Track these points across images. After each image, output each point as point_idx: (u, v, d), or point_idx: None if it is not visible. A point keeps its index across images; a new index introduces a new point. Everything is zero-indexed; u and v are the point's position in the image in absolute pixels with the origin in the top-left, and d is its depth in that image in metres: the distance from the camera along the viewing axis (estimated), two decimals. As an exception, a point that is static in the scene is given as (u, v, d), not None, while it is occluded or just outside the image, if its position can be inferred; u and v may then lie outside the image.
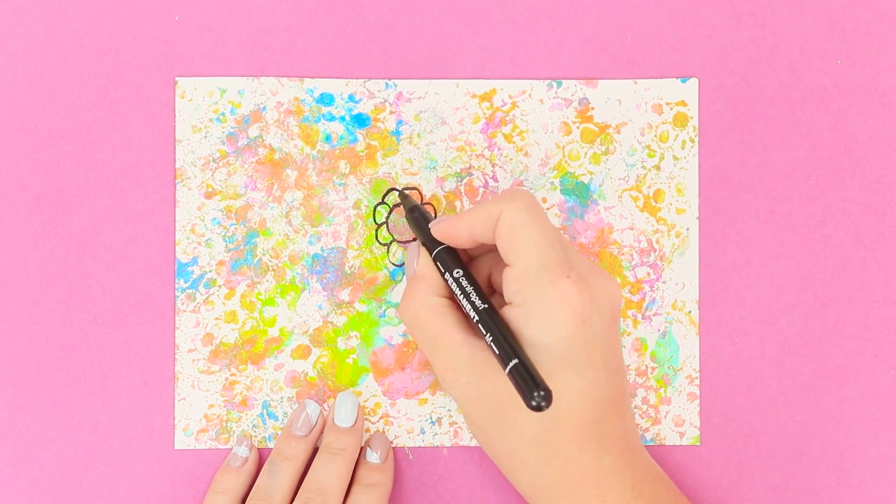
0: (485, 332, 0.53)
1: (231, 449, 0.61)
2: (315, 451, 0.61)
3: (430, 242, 0.58)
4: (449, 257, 0.57)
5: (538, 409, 0.49)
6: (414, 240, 0.61)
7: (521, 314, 0.53)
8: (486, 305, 0.54)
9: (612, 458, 0.55)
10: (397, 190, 0.62)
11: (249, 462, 0.61)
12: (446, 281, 0.57)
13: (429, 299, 0.56)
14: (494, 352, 0.53)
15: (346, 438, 0.60)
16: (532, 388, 0.50)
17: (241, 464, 0.60)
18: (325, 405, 0.62)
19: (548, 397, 0.49)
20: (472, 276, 0.56)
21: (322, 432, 0.61)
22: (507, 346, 0.52)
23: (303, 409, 0.61)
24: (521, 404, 0.52)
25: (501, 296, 0.56)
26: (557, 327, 0.53)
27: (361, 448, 0.61)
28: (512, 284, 0.54)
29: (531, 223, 0.54)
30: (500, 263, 0.56)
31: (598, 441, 0.54)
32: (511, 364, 0.51)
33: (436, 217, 0.60)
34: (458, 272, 0.56)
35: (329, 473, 0.59)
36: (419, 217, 0.59)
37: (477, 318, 0.54)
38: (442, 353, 0.55)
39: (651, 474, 0.57)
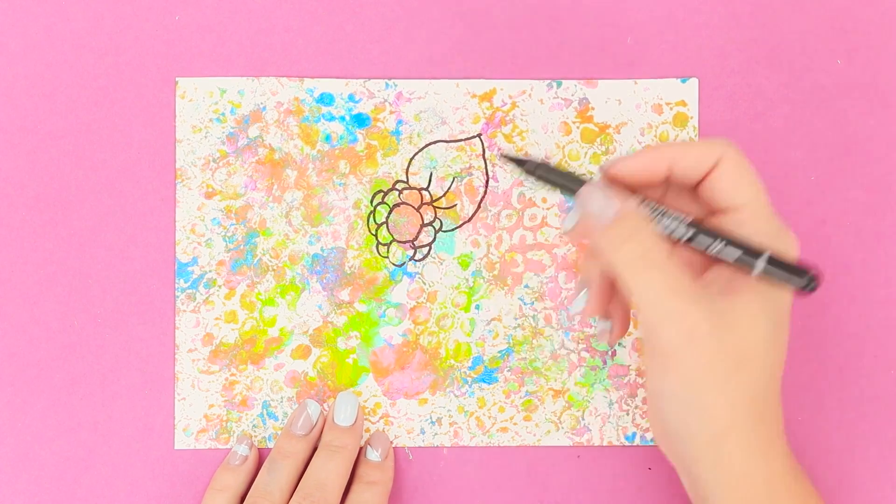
0: (724, 237, 0.51)
1: (231, 448, 0.61)
2: (315, 451, 0.61)
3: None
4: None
5: (810, 289, 0.50)
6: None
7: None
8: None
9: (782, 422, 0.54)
10: (504, 155, 0.55)
11: (249, 461, 0.61)
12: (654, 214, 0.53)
13: (658, 240, 0.50)
14: (737, 256, 0.51)
15: (345, 437, 0.60)
16: (799, 271, 0.50)
17: (241, 462, 0.61)
18: (325, 405, 0.62)
19: (817, 278, 0.50)
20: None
21: (322, 432, 0.61)
22: (751, 246, 0.51)
23: (303, 408, 0.61)
24: (755, 357, 0.50)
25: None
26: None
27: (361, 448, 0.62)
28: (745, 226, 0.52)
29: (755, 174, 0.53)
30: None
31: (778, 391, 0.53)
32: (765, 255, 0.51)
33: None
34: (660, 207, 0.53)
35: (328, 470, 0.59)
36: (551, 170, 0.53)
37: (708, 233, 0.52)
38: (682, 298, 0.50)
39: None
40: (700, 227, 0.52)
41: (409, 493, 0.63)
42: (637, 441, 0.63)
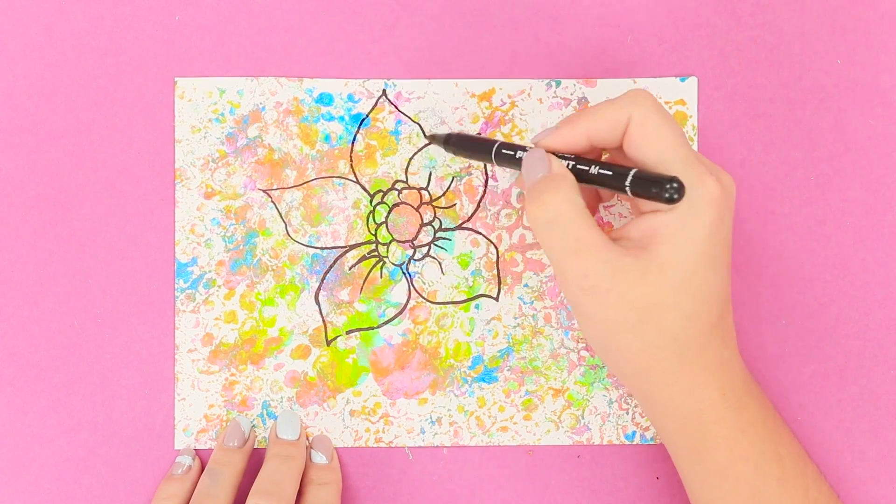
0: (602, 167, 0.53)
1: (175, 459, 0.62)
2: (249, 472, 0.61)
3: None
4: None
5: (672, 199, 0.50)
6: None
7: (667, 215, 0.53)
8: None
9: (731, 352, 0.55)
10: (427, 136, 0.62)
11: (193, 470, 0.61)
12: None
13: (573, 198, 0.53)
14: (611, 178, 0.52)
15: (292, 448, 0.61)
16: (663, 181, 0.50)
17: (186, 472, 0.61)
18: (324, 404, 0.62)
19: (680, 188, 0.50)
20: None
21: (253, 447, 0.62)
22: (622, 167, 0.52)
23: (235, 423, 0.61)
24: (666, 304, 0.52)
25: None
26: (706, 225, 0.52)
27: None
28: None
29: (665, 123, 0.53)
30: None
31: (721, 334, 0.55)
32: (632, 172, 0.52)
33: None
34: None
35: (282, 472, 0.59)
36: (465, 140, 0.59)
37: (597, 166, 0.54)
38: (584, 257, 0.52)
39: (750, 375, 0.57)
40: (584, 161, 0.54)
41: (409, 493, 0.63)
42: (637, 440, 0.63)
